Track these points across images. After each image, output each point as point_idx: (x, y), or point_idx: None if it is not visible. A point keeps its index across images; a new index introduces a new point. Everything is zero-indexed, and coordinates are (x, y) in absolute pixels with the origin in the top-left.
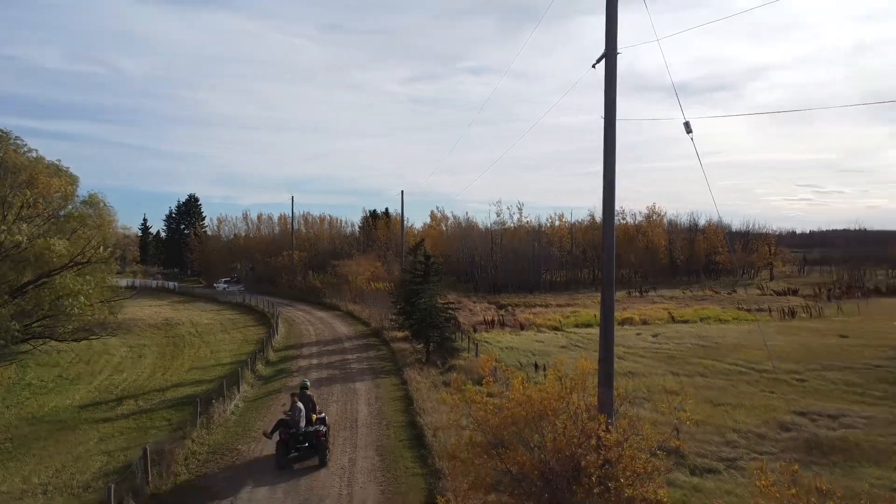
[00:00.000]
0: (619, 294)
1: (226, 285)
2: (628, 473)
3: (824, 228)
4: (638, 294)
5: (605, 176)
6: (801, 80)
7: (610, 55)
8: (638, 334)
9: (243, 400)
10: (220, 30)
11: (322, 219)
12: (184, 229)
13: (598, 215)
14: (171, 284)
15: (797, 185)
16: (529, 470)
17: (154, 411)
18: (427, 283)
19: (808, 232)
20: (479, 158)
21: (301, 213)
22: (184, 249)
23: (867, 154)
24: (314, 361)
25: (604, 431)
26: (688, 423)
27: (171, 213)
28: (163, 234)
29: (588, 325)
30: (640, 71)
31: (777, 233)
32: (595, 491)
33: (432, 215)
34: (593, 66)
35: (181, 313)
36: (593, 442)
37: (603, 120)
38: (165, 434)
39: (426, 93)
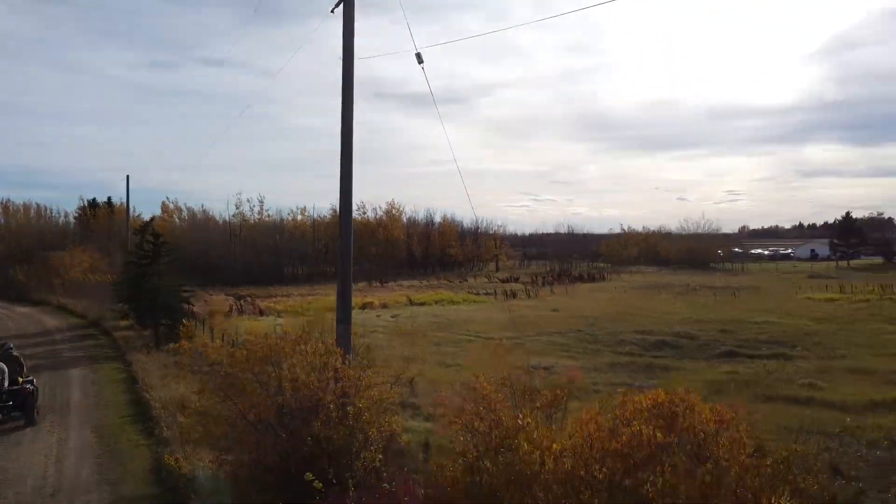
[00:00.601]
0: (360, 284)
1: None
2: (365, 401)
3: (540, 231)
4: (379, 284)
5: (342, 144)
6: (522, 99)
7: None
8: (378, 315)
9: None
10: None
11: (27, 207)
12: None
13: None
14: None
15: (519, 192)
16: (266, 411)
17: None
18: (156, 264)
19: (527, 234)
20: (221, 155)
21: None
22: None
23: (572, 168)
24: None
25: (341, 364)
26: (421, 380)
27: None
28: None
29: (332, 310)
30: (379, 77)
31: (502, 232)
32: (333, 417)
33: (163, 206)
34: (332, 11)
35: None
36: (331, 374)
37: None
38: None
39: (159, 82)
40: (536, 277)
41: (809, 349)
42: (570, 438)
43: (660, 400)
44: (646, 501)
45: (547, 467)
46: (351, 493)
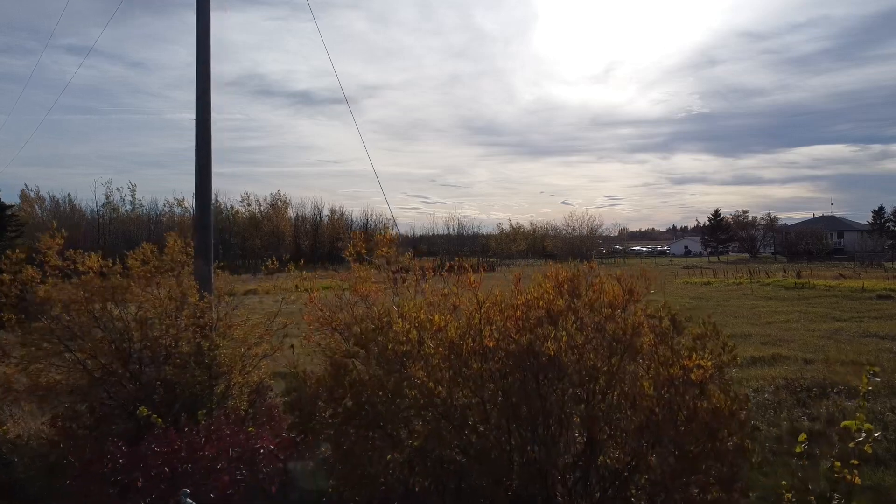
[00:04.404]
0: (245, 276)
1: None
2: (226, 341)
3: (431, 233)
4: (263, 275)
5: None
6: (409, 102)
7: None
8: (260, 301)
9: None
10: None
11: None
12: None
13: (224, 199)
14: None
15: (409, 195)
16: (110, 357)
17: None
18: (2, 239)
19: (418, 235)
20: (87, 150)
21: None
22: None
23: (461, 171)
24: None
25: (196, 298)
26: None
27: None
28: None
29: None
30: (263, 73)
31: (394, 232)
32: (188, 359)
33: (23, 195)
34: None
35: None
36: (187, 311)
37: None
38: None
39: (10, 69)
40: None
41: (691, 320)
42: (459, 319)
43: (562, 277)
44: (545, 363)
45: (426, 347)
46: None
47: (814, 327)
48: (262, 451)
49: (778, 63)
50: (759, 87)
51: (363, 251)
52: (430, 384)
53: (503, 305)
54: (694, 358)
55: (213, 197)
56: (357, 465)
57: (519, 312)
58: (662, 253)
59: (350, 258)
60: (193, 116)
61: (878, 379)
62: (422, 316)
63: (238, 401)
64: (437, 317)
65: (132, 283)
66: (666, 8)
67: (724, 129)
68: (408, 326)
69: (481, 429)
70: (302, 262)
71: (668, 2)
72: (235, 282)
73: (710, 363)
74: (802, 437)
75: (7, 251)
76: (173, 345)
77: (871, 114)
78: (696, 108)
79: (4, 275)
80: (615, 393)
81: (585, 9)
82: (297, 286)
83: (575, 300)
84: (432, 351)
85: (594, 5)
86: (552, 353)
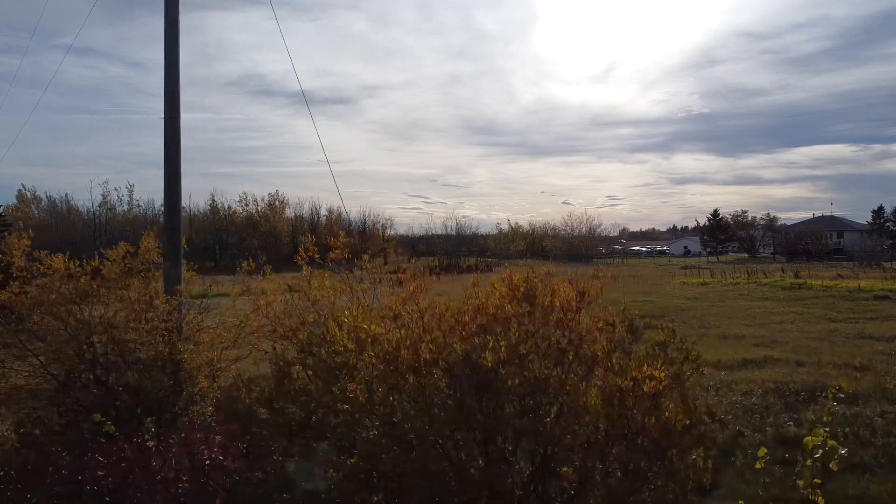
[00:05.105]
0: (242, 276)
1: None
2: (192, 345)
3: (430, 233)
4: (261, 276)
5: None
6: (409, 102)
7: None
8: (234, 304)
9: None
10: None
11: None
12: None
13: (220, 199)
14: None
15: (409, 195)
16: (73, 359)
17: None
18: None
19: (418, 235)
20: (86, 150)
21: None
22: None
23: (461, 171)
24: None
25: (163, 302)
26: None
27: None
28: None
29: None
30: (263, 73)
31: (392, 232)
32: (152, 363)
33: (20, 195)
34: None
35: None
36: (151, 315)
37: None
38: None
39: (9, 69)
40: (423, 269)
41: (686, 321)
42: (402, 329)
43: (515, 280)
44: (483, 376)
45: (366, 356)
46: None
47: (808, 328)
48: (208, 462)
49: (778, 63)
50: (760, 87)
51: (315, 255)
52: (361, 399)
53: (448, 314)
54: (646, 368)
55: (210, 196)
56: (306, 479)
57: (467, 319)
58: (662, 253)
59: (301, 261)
60: (192, 116)
61: (843, 395)
62: (362, 325)
63: (204, 406)
64: (374, 326)
65: (99, 286)
66: (666, 8)
67: (724, 129)
68: (344, 336)
69: (425, 444)
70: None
71: (668, 2)
72: (229, 282)
73: (663, 374)
74: (762, 451)
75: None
76: (138, 349)
77: (871, 114)
78: (696, 108)
79: None
80: (556, 407)
81: (585, 9)
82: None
83: (531, 306)
84: (371, 361)
85: (594, 5)
86: (489, 365)
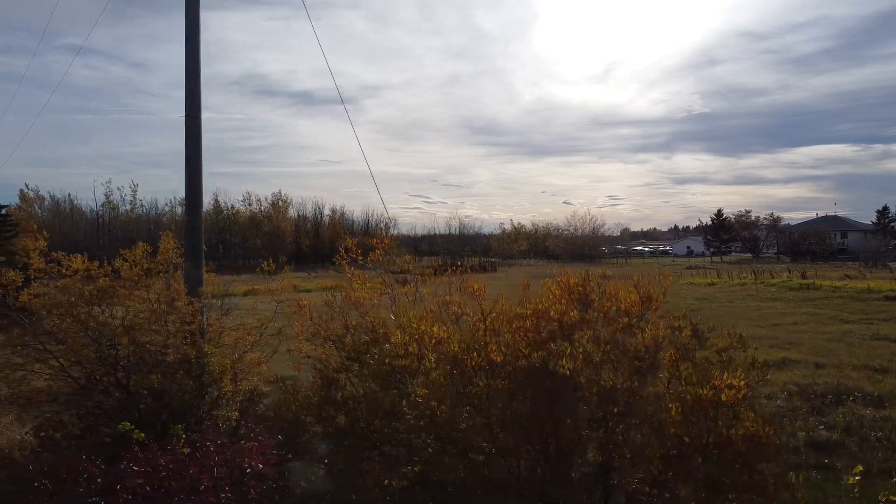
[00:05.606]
0: (245, 276)
1: None
2: (216, 348)
3: (432, 233)
4: (266, 275)
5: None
6: (409, 102)
7: None
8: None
9: None
10: None
11: None
12: None
13: (223, 198)
14: None
15: (410, 195)
16: (94, 365)
17: None
18: None
19: (419, 235)
20: (88, 150)
21: None
22: None
23: (462, 171)
24: None
25: (186, 303)
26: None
27: None
28: None
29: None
30: (264, 73)
31: (395, 232)
32: (176, 367)
33: (22, 195)
34: None
35: None
36: (174, 317)
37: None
38: None
39: (11, 69)
40: (427, 268)
41: (700, 323)
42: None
43: (572, 283)
44: (559, 383)
45: (427, 361)
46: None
47: (822, 329)
48: (249, 470)
49: (778, 63)
50: (760, 87)
51: (358, 256)
52: (433, 403)
53: (510, 316)
54: (726, 376)
55: (213, 196)
56: (352, 488)
57: (528, 324)
58: (665, 253)
59: (343, 262)
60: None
61: (868, 398)
62: (422, 327)
63: (228, 410)
64: (437, 328)
65: (119, 287)
66: (666, 8)
67: (724, 129)
68: (406, 338)
69: (488, 452)
70: (292, 264)
71: (668, 2)
72: (235, 282)
73: (742, 382)
74: (858, 468)
75: (6, 254)
76: (161, 351)
77: (871, 114)
78: (696, 107)
79: None
80: (636, 417)
81: (585, 9)
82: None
83: (588, 309)
84: (433, 366)
85: (594, 5)
86: (568, 372)
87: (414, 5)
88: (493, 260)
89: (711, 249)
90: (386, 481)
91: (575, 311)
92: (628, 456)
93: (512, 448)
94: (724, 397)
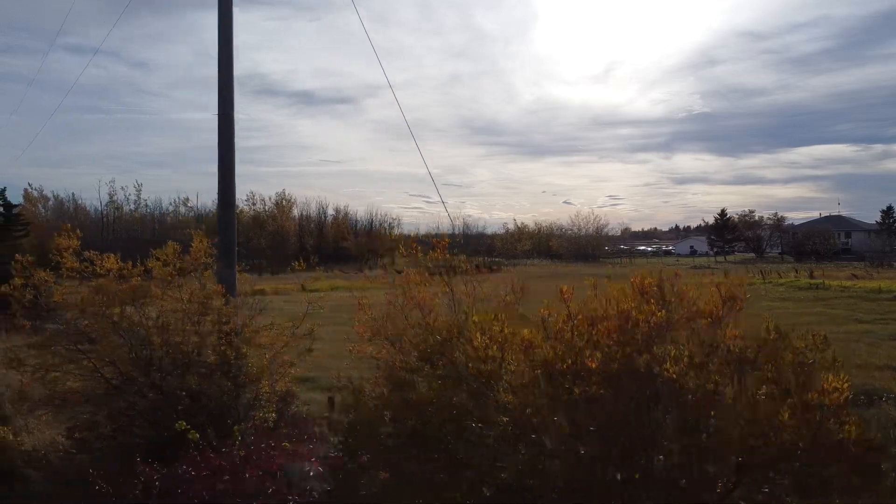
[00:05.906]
0: (251, 276)
1: None
2: (252, 349)
3: (433, 231)
4: (270, 274)
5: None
6: (410, 102)
7: None
8: (270, 301)
9: None
10: None
11: None
12: None
13: None
14: None
15: (410, 195)
16: (128, 365)
17: None
18: (8, 239)
19: (421, 234)
20: (91, 150)
21: None
22: None
23: (463, 171)
24: None
25: (223, 304)
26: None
27: None
28: None
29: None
30: (264, 73)
31: (397, 231)
32: (213, 367)
33: (26, 195)
34: None
35: None
36: (211, 317)
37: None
38: None
39: (13, 69)
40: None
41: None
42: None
43: (646, 283)
44: (660, 387)
45: (508, 364)
46: (236, 443)
47: (838, 330)
48: (311, 472)
49: (778, 63)
50: (760, 87)
51: (418, 252)
52: (529, 411)
53: (594, 317)
54: (832, 379)
55: (215, 196)
56: (419, 492)
57: (612, 325)
58: (668, 252)
59: (401, 260)
60: (196, 116)
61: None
62: (505, 329)
63: (266, 411)
64: (526, 331)
65: (153, 286)
66: (666, 8)
67: (724, 129)
68: (487, 341)
69: (576, 460)
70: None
71: (668, 2)
72: (246, 282)
73: (846, 384)
74: None
75: (17, 253)
76: (196, 352)
77: (871, 114)
78: (696, 107)
79: (17, 279)
80: (744, 421)
81: (585, 9)
82: (302, 286)
83: (667, 311)
84: (514, 369)
85: (594, 5)
86: (675, 376)
87: (414, 5)
88: (497, 260)
89: (715, 249)
90: (458, 492)
91: (662, 312)
92: (738, 462)
93: (598, 455)
94: (827, 401)
